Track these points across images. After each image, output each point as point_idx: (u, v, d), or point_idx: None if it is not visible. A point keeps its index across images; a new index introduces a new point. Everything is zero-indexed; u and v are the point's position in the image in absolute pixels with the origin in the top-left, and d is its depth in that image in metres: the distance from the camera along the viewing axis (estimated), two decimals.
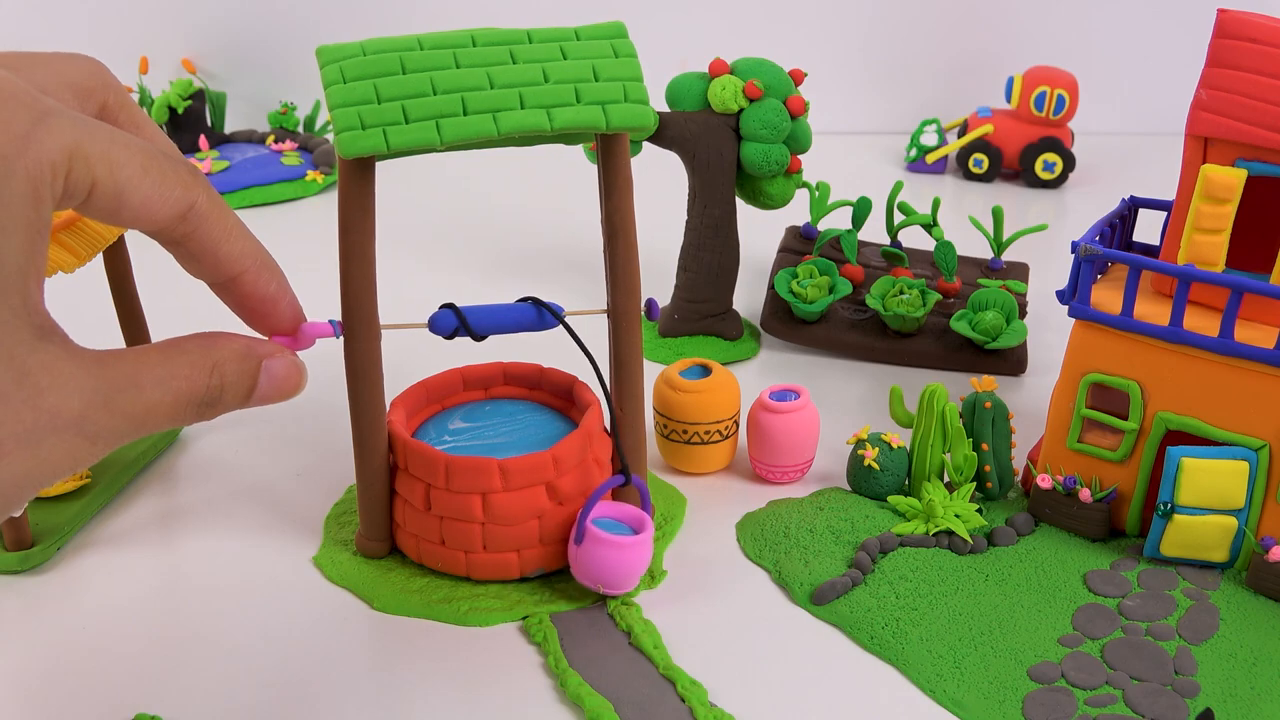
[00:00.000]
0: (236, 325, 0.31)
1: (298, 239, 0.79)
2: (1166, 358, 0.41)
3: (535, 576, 0.41)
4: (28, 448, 0.24)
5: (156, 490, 0.47)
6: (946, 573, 0.42)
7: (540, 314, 0.39)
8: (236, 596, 0.41)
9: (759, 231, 0.69)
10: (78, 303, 0.47)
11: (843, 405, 0.55)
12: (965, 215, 0.68)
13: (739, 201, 0.60)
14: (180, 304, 0.48)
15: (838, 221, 0.72)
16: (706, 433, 0.47)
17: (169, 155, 0.27)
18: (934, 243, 0.62)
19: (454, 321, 0.38)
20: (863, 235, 0.68)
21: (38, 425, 0.24)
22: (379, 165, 0.37)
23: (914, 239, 0.70)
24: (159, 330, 0.47)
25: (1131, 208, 0.48)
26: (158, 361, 0.27)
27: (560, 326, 0.39)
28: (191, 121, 0.91)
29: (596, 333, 0.41)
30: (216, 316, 0.32)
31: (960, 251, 0.65)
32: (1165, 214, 0.45)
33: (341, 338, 0.38)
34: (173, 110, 0.90)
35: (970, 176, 0.94)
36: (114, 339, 0.47)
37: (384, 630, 0.39)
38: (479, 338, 0.38)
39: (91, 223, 0.42)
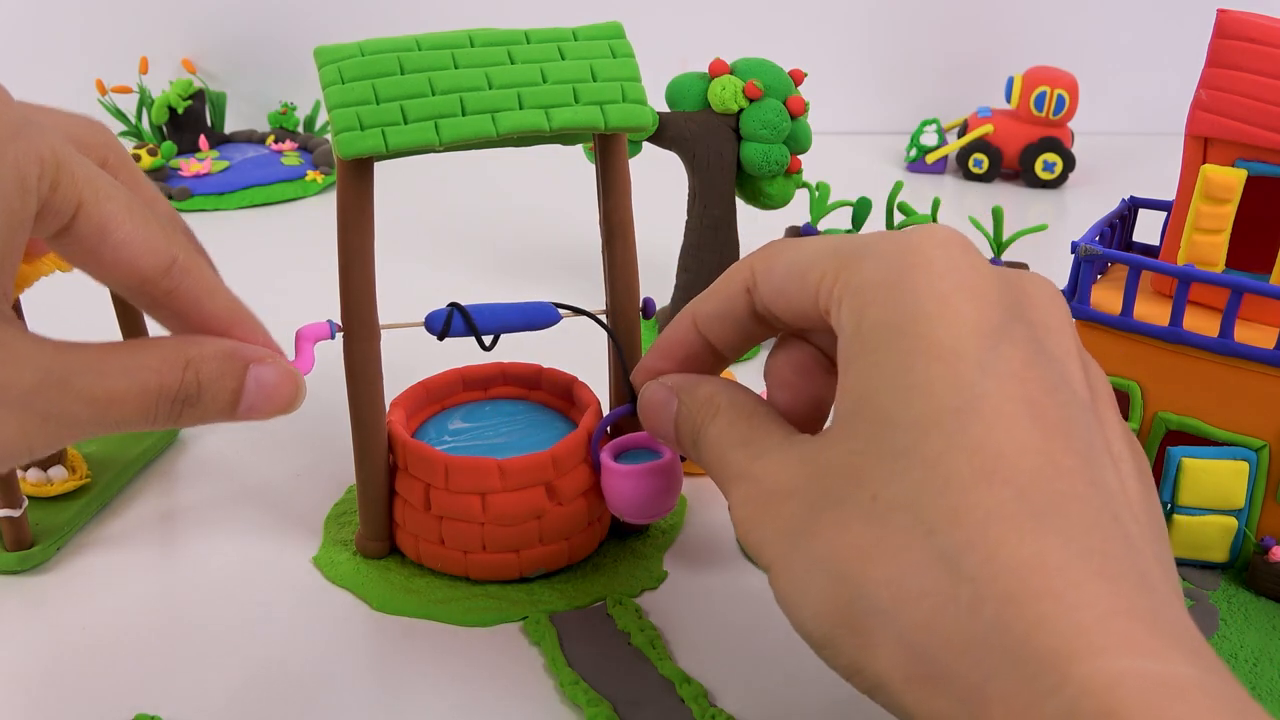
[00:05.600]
0: None
1: (298, 239, 0.79)
2: (1166, 358, 0.41)
3: (535, 577, 0.41)
4: None
5: (156, 490, 0.47)
6: None
7: (547, 310, 0.39)
8: (236, 597, 0.41)
9: (759, 231, 0.68)
10: (77, 303, 0.47)
11: None
12: (965, 215, 0.68)
13: (739, 201, 0.60)
14: None
15: (838, 221, 0.72)
16: None
17: (155, 211, 0.27)
18: None
19: (458, 323, 0.38)
20: None
21: None
22: (378, 166, 0.37)
23: None
24: (160, 331, 0.47)
25: (1131, 208, 0.48)
26: (126, 352, 0.26)
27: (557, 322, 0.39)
28: (191, 121, 0.91)
29: (595, 333, 0.41)
30: None
31: None
32: (1165, 214, 0.45)
33: (340, 337, 0.38)
34: (173, 110, 0.90)
35: (970, 176, 0.94)
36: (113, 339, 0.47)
37: (384, 630, 0.39)
38: (486, 346, 0.38)
39: None
